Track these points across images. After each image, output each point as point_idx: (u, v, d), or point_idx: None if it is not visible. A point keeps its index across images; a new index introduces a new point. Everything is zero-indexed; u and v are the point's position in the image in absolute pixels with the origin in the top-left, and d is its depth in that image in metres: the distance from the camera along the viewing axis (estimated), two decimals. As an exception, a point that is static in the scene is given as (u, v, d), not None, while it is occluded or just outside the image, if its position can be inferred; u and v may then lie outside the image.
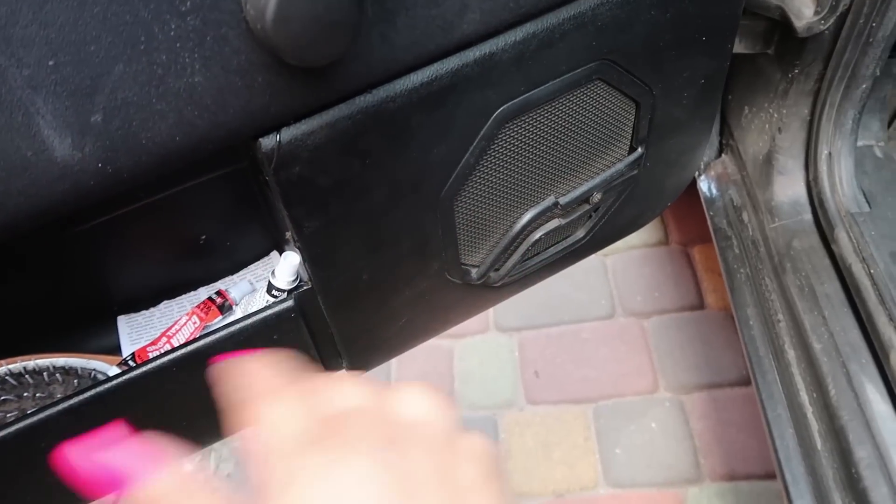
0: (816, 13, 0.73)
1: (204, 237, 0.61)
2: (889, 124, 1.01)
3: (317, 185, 0.45)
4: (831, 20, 0.73)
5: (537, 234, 0.63)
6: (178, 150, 0.39)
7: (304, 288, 0.54)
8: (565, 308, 1.50)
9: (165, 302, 0.61)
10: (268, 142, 0.42)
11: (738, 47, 0.85)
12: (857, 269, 0.75)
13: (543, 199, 0.61)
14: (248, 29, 0.36)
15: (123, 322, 0.60)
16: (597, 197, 0.64)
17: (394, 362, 1.46)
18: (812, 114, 0.82)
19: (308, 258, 0.50)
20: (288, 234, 0.49)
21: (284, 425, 0.29)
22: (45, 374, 0.54)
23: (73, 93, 0.34)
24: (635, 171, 0.65)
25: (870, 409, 0.70)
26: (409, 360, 1.46)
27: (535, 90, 0.51)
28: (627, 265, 1.54)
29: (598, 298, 1.50)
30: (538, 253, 0.67)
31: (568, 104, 0.55)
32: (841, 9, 0.72)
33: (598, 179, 0.62)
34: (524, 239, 0.63)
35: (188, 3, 0.34)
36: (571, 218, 0.64)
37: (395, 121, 0.45)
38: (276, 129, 0.42)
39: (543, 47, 0.48)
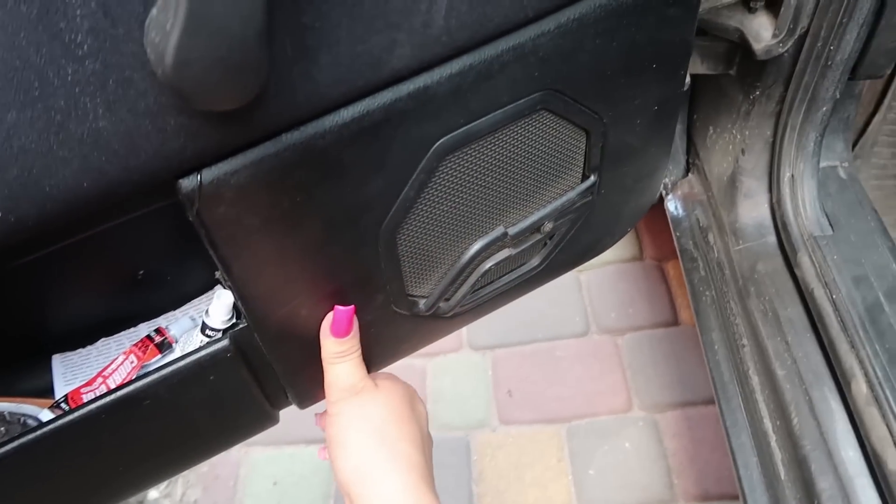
0: (774, 36, 0.72)
1: (142, 272, 0.59)
2: (854, 144, 1.00)
3: (244, 225, 0.44)
4: (790, 43, 0.72)
5: (487, 265, 0.61)
6: (86, 196, 0.37)
7: (241, 326, 0.52)
8: (539, 325, 1.48)
9: (103, 339, 0.59)
10: (188, 183, 0.40)
11: (700, 68, 0.84)
12: (819, 295, 0.74)
13: (492, 230, 0.59)
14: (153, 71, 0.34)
15: (58, 361, 0.58)
16: (548, 226, 0.62)
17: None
18: (774, 135, 0.82)
19: (240, 297, 0.48)
20: (218, 274, 0.47)
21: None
22: (-31, 419, 0.52)
23: None
24: (588, 199, 0.64)
25: (832, 438, 0.68)
26: (381, 379, 1.43)
27: (476, 122, 0.49)
28: (602, 281, 1.53)
29: (573, 315, 1.49)
30: (491, 282, 0.66)
31: (512, 135, 0.53)
32: (799, 32, 0.71)
33: (548, 208, 0.61)
34: (474, 269, 0.61)
35: (85, 47, 0.32)
36: (523, 247, 0.63)
37: (326, 157, 0.44)
38: (196, 169, 0.40)
39: (482, 79, 0.47)
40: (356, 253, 0.51)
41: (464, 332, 1.50)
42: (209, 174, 0.40)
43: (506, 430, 1.36)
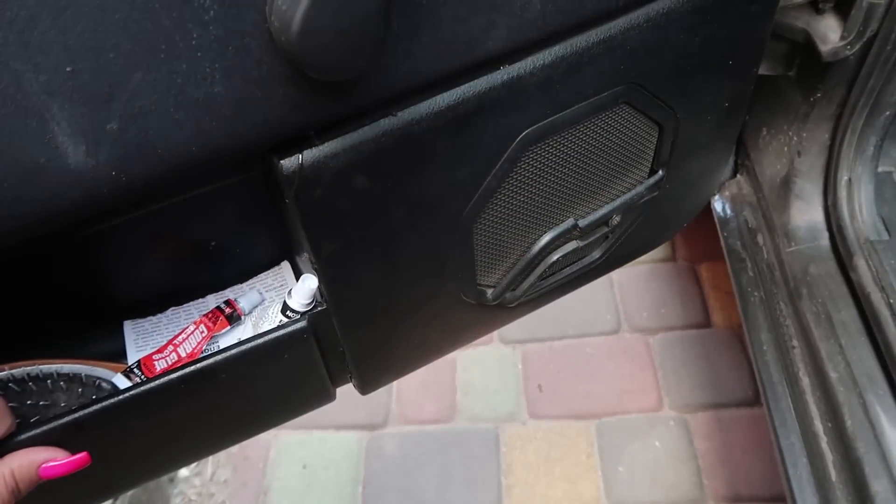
0: (843, 38, 0.72)
1: (213, 244, 0.60)
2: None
3: (337, 209, 0.44)
4: (857, 46, 0.72)
5: (555, 256, 0.62)
6: (193, 160, 0.38)
7: (319, 309, 0.53)
8: (570, 322, 1.48)
9: (173, 308, 0.60)
10: (289, 164, 0.40)
11: (763, 67, 0.84)
12: (876, 298, 0.74)
13: (563, 221, 0.60)
14: (272, 40, 0.35)
15: (129, 328, 0.59)
16: (616, 219, 0.63)
17: (396, 371, 1.45)
18: (833, 139, 0.81)
19: (325, 280, 0.49)
20: (305, 255, 0.48)
21: None
22: (48, 381, 0.53)
23: (89, 100, 0.33)
24: (655, 193, 0.64)
25: (887, 441, 0.68)
26: (412, 369, 1.44)
27: (561, 114, 0.50)
28: (634, 280, 1.53)
29: (604, 313, 1.49)
30: (553, 273, 0.66)
31: (592, 127, 0.54)
32: (868, 34, 0.70)
33: (618, 202, 0.61)
34: (542, 260, 0.62)
35: (211, 13, 0.33)
36: (590, 240, 0.63)
37: (420, 144, 0.44)
38: (295, 143, 0.40)
39: (572, 71, 0.47)
40: (435, 241, 0.52)
41: (495, 326, 1.50)
42: (310, 155, 0.41)
43: (535, 424, 1.36)
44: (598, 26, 0.46)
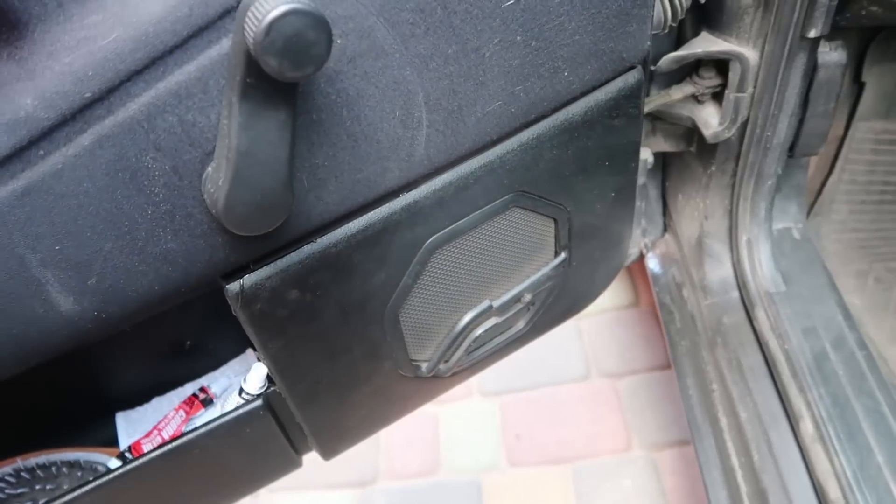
0: (720, 123, 0.84)
1: (189, 342, 0.71)
2: (814, 203, 1.11)
3: (276, 316, 0.56)
4: (734, 129, 0.84)
5: (478, 331, 0.73)
6: (157, 297, 0.49)
7: (272, 390, 0.64)
8: (544, 371, 1.58)
9: (157, 398, 0.71)
10: (233, 287, 0.52)
11: (665, 146, 0.96)
12: (773, 345, 0.84)
13: (480, 303, 0.71)
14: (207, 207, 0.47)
15: (121, 418, 0.70)
16: (528, 296, 0.74)
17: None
18: (731, 204, 0.93)
19: (274, 370, 0.60)
20: (256, 352, 0.59)
21: None
22: (53, 468, 0.64)
23: (74, 266, 0.45)
24: (561, 272, 0.75)
25: (787, 472, 0.78)
26: (396, 426, 1.53)
27: (458, 223, 0.61)
28: (600, 328, 1.63)
29: (574, 361, 1.59)
30: (483, 345, 0.77)
31: (490, 228, 0.65)
32: (740, 120, 0.83)
33: (526, 283, 0.73)
34: (466, 336, 0.73)
35: (161, 195, 0.45)
36: (507, 315, 0.74)
37: (339, 260, 0.56)
38: (237, 273, 0.52)
39: (460, 190, 0.59)
40: (366, 331, 0.63)
41: (473, 380, 1.60)
42: (249, 280, 0.52)
43: (515, 472, 1.45)
44: (476, 156, 0.58)
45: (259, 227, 0.47)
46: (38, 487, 0.63)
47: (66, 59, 0.38)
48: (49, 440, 0.66)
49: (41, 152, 0.40)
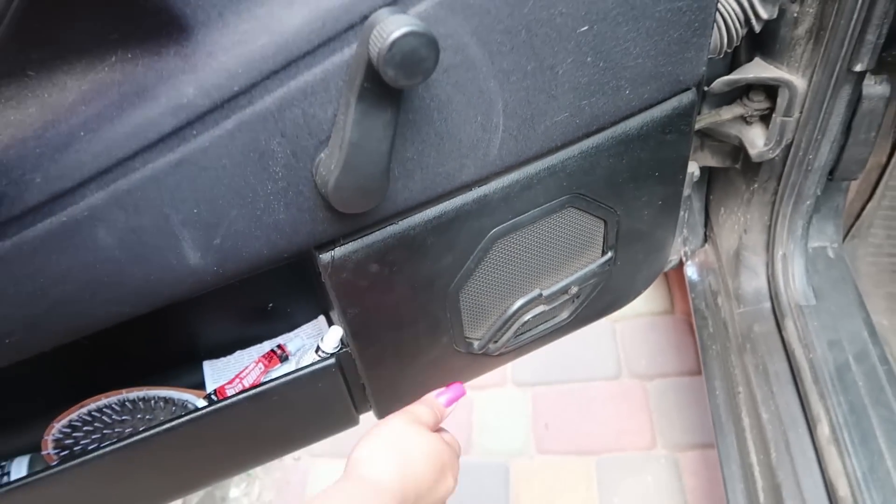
0: (766, 144, 0.90)
1: (271, 304, 0.81)
2: (852, 226, 1.16)
3: (358, 285, 0.65)
4: (778, 150, 0.90)
5: (526, 317, 0.81)
6: (265, 259, 0.58)
7: (344, 351, 0.73)
8: (576, 367, 1.65)
9: (239, 352, 0.81)
10: (325, 257, 0.61)
11: (712, 161, 1.02)
12: (799, 354, 0.90)
13: (531, 291, 0.79)
14: (316, 187, 0.55)
15: (207, 366, 0.80)
16: (574, 289, 0.81)
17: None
18: (770, 220, 0.99)
19: (349, 333, 0.69)
20: (335, 315, 0.68)
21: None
22: (152, 401, 0.74)
23: (205, 227, 0.54)
24: (606, 269, 0.82)
25: (801, 470, 0.84)
26: (433, 406, 1.63)
27: (520, 217, 0.69)
28: (634, 331, 1.69)
29: (607, 360, 1.65)
30: (529, 330, 0.85)
31: (548, 224, 0.73)
32: (785, 142, 0.89)
33: (574, 276, 0.80)
34: (516, 320, 0.80)
35: (280, 173, 0.54)
36: (554, 305, 0.82)
37: (415, 241, 0.64)
38: (331, 247, 0.61)
39: (524, 189, 0.67)
40: (430, 306, 0.71)
41: (508, 370, 1.67)
42: (339, 252, 0.61)
43: (542, 459, 1.52)
44: (542, 159, 0.66)
45: (359, 207, 0.55)
46: (138, 417, 0.73)
47: (222, 58, 0.47)
48: (149, 379, 0.76)
49: (194, 132, 0.49)
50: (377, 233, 0.62)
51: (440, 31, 0.52)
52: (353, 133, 0.50)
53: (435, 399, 0.73)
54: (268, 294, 0.80)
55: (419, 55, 0.45)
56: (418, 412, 0.70)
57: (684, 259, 1.19)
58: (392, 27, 0.44)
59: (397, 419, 0.67)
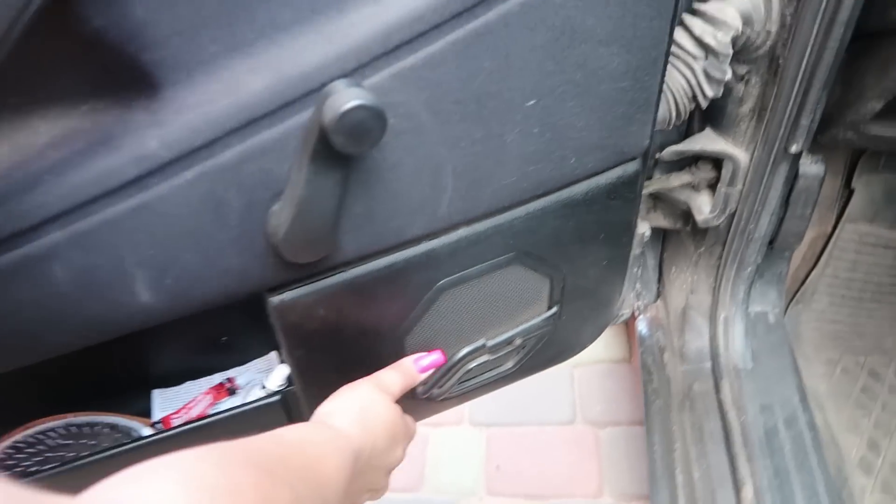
0: (711, 211, 0.95)
1: (224, 338, 0.83)
2: (796, 292, 1.21)
3: (305, 328, 0.67)
4: (723, 218, 0.95)
5: (471, 365, 0.84)
6: (216, 299, 0.61)
7: (289, 389, 0.75)
8: (532, 410, 1.68)
9: (189, 382, 0.83)
10: (274, 300, 0.64)
11: (664, 223, 1.07)
12: (732, 416, 0.94)
13: (476, 340, 0.82)
14: (267, 237, 0.58)
15: (157, 394, 0.81)
16: (519, 341, 0.85)
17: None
18: (715, 283, 1.03)
19: (295, 373, 0.71)
20: (282, 356, 0.71)
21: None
22: (97, 427, 0.75)
23: (158, 268, 0.56)
24: (551, 324, 0.86)
25: (727, 530, 0.87)
26: (388, 441, 1.64)
27: (467, 271, 0.73)
28: (592, 377, 1.73)
29: (563, 405, 1.68)
30: (474, 377, 0.88)
31: (494, 278, 0.76)
32: (728, 211, 0.94)
33: (519, 328, 0.83)
34: (460, 367, 0.83)
35: (234, 222, 0.57)
36: (498, 355, 0.85)
37: (364, 289, 0.67)
38: (281, 290, 0.64)
39: (472, 245, 0.70)
40: (376, 350, 0.74)
41: (465, 409, 1.70)
42: (289, 296, 0.64)
43: (491, 501, 1.54)
44: (489, 218, 0.70)
45: (307, 257, 0.58)
46: (82, 442, 0.74)
47: (187, 115, 0.50)
48: (96, 404, 0.77)
49: (155, 181, 0.52)
50: (326, 279, 0.65)
51: (392, 99, 0.56)
52: (305, 190, 0.53)
53: (411, 364, 0.74)
54: (221, 327, 0.82)
55: (367, 126, 0.48)
56: (386, 380, 0.70)
57: (637, 313, 1.23)
58: (344, 99, 0.47)
59: (364, 384, 0.67)
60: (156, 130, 0.50)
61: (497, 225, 0.71)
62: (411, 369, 0.74)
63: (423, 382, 0.83)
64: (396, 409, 0.70)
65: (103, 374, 0.79)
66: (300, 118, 0.54)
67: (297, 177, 0.53)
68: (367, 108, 0.48)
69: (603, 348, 1.78)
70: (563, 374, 1.74)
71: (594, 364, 1.76)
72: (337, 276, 0.65)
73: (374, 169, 0.59)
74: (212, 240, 0.57)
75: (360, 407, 0.64)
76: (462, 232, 0.69)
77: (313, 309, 0.66)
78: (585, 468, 1.56)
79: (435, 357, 0.75)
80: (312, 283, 0.65)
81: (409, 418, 0.77)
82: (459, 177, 0.64)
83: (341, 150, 0.49)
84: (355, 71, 0.54)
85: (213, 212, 0.55)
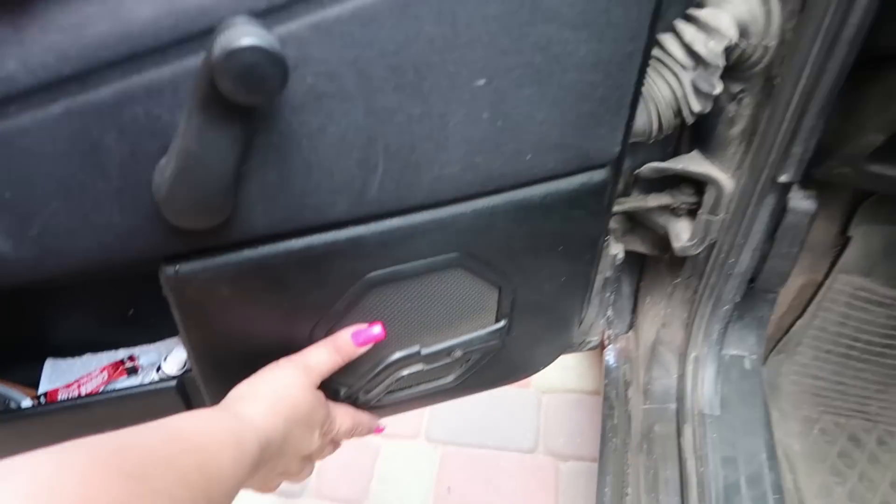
0: (690, 240, 0.87)
1: (132, 311, 0.75)
2: (779, 340, 1.12)
3: (204, 307, 0.60)
4: (701, 248, 0.86)
5: (403, 372, 0.76)
6: (95, 262, 0.53)
7: (189, 374, 0.67)
8: (493, 432, 1.59)
9: (88, 354, 0.75)
10: (169, 270, 0.56)
11: (641, 247, 0.99)
12: (691, 465, 0.85)
13: (409, 347, 0.74)
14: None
15: (49, 364, 0.74)
16: (458, 353, 0.76)
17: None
18: (689, 319, 0.95)
19: (192, 357, 0.64)
20: (180, 336, 0.63)
21: None
22: (-33, 392, 0.68)
23: (19, 215, 0.49)
24: (498, 339, 0.78)
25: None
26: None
27: (399, 267, 0.65)
28: (560, 406, 1.64)
29: (525, 431, 1.59)
30: (408, 387, 0.80)
31: (434, 280, 0.69)
32: (708, 241, 0.85)
33: (460, 339, 0.75)
34: (390, 374, 0.75)
35: (114, 172, 0.49)
36: (434, 366, 0.77)
37: (275, 272, 0.60)
38: (177, 261, 0.56)
39: (407, 238, 0.63)
40: (288, 342, 0.66)
41: (424, 422, 1.61)
42: (185, 268, 0.56)
43: (436, 524, 1.45)
44: (428, 211, 0.62)
45: (195, 223, 0.51)
46: (-51, 407, 0.67)
47: (55, 36, 0.43)
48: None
49: (13, 109, 0.44)
50: (231, 255, 0.57)
51: (311, 54, 0.49)
52: (192, 142, 0.46)
53: (347, 337, 0.67)
54: (129, 298, 0.74)
55: (260, 71, 0.41)
56: (313, 360, 0.65)
57: (606, 342, 1.15)
58: (235, 36, 0.40)
59: (287, 366, 0.64)
60: (15, 48, 0.43)
61: (438, 219, 0.63)
62: (348, 344, 0.67)
63: (348, 385, 0.75)
64: (317, 395, 0.65)
65: (-7, 334, 0.72)
66: (196, 59, 0.46)
67: (185, 126, 0.45)
68: (262, 50, 0.40)
69: (575, 377, 1.69)
70: (530, 399, 1.65)
71: (564, 393, 1.67)
72: (245, 252, 0.58)
73: (288, 133, 0.52)
74: (86, 189, 0.49)
75: (273, 391, 0.60)
76: (396, 221, 0.62)
77: (215, 287, 0.58)
78: (540, 501, 1.46)
79: (376, 331, 0.68)
80: (215, 256, 0.57)
81: (347, 411, 0.73)
82: (392, 157, 0.57)
83: (229, 98, 0.42)
84: (267, 13, 0.46)
85: (88, 157, 0.48)
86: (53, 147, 0.47)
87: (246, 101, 0.42)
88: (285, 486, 1.50)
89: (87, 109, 0.46)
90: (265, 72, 0.41)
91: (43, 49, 0.43)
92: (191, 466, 0.44)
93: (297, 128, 0.52)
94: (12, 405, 0.68)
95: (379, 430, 0.79)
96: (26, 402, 0.69)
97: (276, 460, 0.60)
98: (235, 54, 0.40)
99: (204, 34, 0.46)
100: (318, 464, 1.53)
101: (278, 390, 0.61)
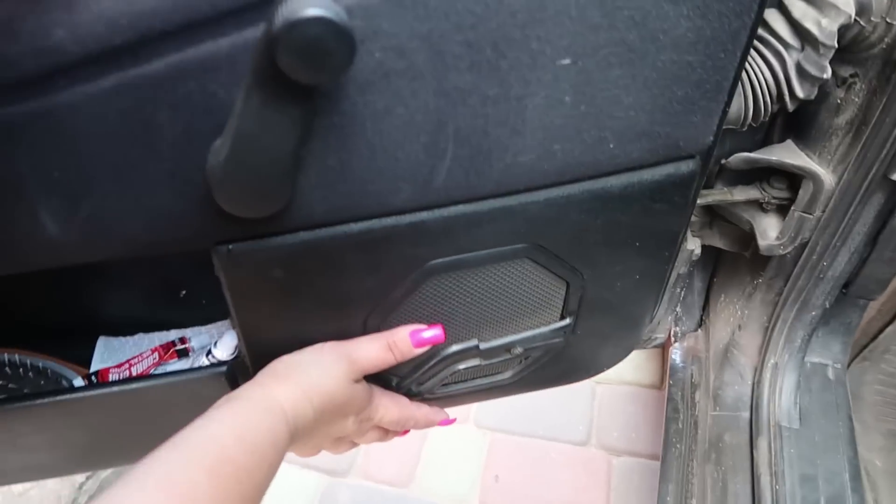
0: (778, 238, 0.79)
1: (184, 292, 0.73)
2: (865, 347, 1.04)
3: (257, 290, 0.56)
4: (791, 248, 0.79)
5: (459, 366, 0.72)
6: (144, 245, 0.51)
7: (240, 359, 0.64)
8: (544, 422, 1.54)
9: (140, 334, 0.73)
10: (221, 249, 0.53)
11: (720, 243, 0.92)
12: (765, 481, 0.79)
13: (468, 340, 0.69)
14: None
15: (102, 342, 0.72)
16: (518, 350, 0.72)
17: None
18: (769, 323, 0.88)
19: (243, 341, 0.61)
20: (230, 319, 0.60)
21: None
22: (21, 369, 0.67)
23: (68, 196, 0.46)
24: (562, 337, 0.73)
25: None
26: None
27: (463, 256, 0.60)
28: (615, 399, 1.58)
29: (578, 423, 1.54)
30: (463, 381, 0.76)
31: (498, 271, 0.64)
32: (800, 241, 0.78)
33: (521, 335, 0.71)
34: (446, 366, 0.71)
35: (166, 153, 0.46)
36: (491, 361, 0.72)
37: (332, 256, 0.56)
38: (229, 243, 0.53)
39: (472, 225, 0.58)
40: (342, 329, 0.63)
41: (473, 408, 1.58)
42: (237, 248, 0.53)
43: (482, 512, 1.42)
44: (497, 199, 0.57)
45: (250, 211, 0.47)
46: (1, 383, 0.66)
47: (106, 2, 0.39)
48: (31, 343, 0.68)
49: (62, 83, 0.41)
50: (287, 236, 0.54)
51: (382, 27, 0.44)
52: (248, 123, 0.42)
53: (406, 336, 0.64)
54: (182, 278, 0.72)
55: (325, 47, 0.37)
56: (362, 353, 0.62)
57: (672, 339, 1.08)
58: (300, 5, 0.36)
59: (330, 354, 0.61)
60: (64, 16, 0.39)
61: (507, 207, 0.58)
62: (405, 342, 0.64)
63: (401, 376, 0.71)
64: (356, 387, 0.63)
65: (45, 310, 0.70)
66: (256, 31, 0.42)
67: (241, 105, 0.41)
68: (328, 21, 0.36)
69: (632, 369, 1.62)
70: (584, 390, 1.60)
71: (620, 385, 1.61)
72: (301, 234, 0.54)
73: (352, 114, 0.47)
74: (137, 171, 0.46)
75: (308, 379, 0.59)
76: (462, 208, 0.57)
77: (268, 268, 0.55)
78: (591, 496, 1.42)
79: (436, 332, 0.65)
80: (270, 237, 0.53)
81: (387, 396, 0.70)
82: (463, 142, 0.52)
83: (290, 76, 0.38)
84: (336, -20, 0.41)
85: (140, 136, 0.45)
86: (103, 124, 0.43)
87: (307, 78, 0.38)
88: (333, 461, 1.50)
89: (139, 84, 0.42)
90: (330, 46, 0.37)
91: (93, 17, 0.40)
92: (251, 465, 0.49)
93: (361, 108, 0.47)
94: (64, 383, 0.67)
95: (447, 421, 0.76)
96: (78, 381, 0.68)
97: (305, 439, 0.60)
98: (299, 26, 0.35)
99: (265, 2, 0.41)
100: (363, 446, 1.53)
101: (314, 378, 0.59)
